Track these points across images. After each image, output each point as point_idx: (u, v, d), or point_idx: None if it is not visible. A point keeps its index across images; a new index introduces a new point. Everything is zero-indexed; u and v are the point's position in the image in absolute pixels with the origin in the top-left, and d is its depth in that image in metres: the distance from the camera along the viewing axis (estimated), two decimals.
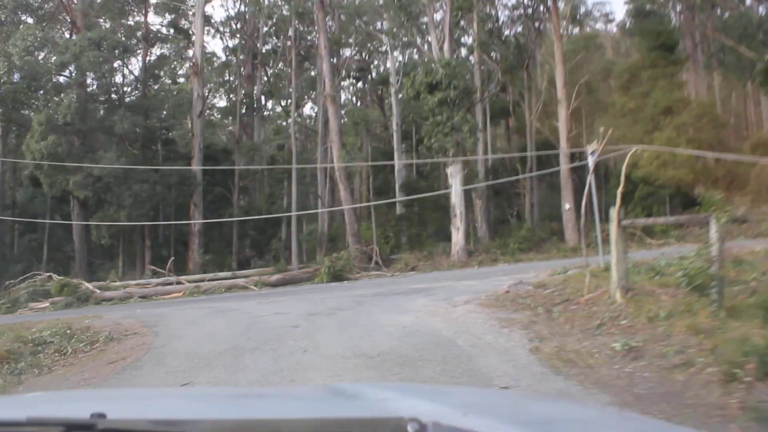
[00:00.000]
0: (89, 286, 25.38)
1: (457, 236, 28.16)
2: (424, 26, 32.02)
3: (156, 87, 40.09)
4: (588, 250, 24.78)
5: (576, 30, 45.07)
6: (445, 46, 28.51)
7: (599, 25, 53.73)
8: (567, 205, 28.20)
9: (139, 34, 38.17)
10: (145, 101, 35.39)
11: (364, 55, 47.14)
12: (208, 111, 50.35)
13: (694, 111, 27.65)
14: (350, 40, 43.44)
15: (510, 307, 11.75)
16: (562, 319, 10.26)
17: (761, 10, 39.41)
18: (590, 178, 14.21)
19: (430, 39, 30.05)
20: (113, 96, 35.23)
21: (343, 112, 39.99)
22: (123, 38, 35.87)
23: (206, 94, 40.14)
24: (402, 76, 39.54)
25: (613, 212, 10.68)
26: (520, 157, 37.72)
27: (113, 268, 32.16)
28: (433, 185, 41.23)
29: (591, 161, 14.34)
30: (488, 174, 36.13)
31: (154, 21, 43.93)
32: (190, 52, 38.55)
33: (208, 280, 27.77)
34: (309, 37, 45.18)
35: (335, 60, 37.12)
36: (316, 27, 34.00)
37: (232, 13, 46.04)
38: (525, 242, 28.97)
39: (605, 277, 12.63)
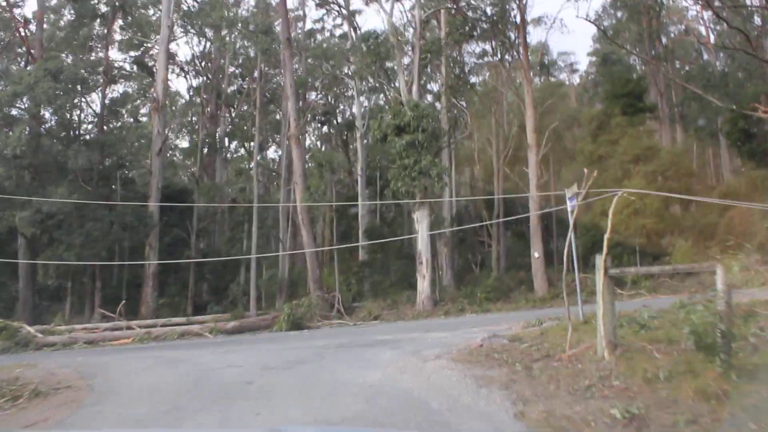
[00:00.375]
0: (30, 329, 23.67)
1: (423, 284, 27.22)
2: (392, 70, 31.57)
3: (117, 124, 38.89)
4: (562, 300, 23.93)
5: (542, 79, 45.32)
6: (414, 89, 28.00)
7: (563, 75, 54.35)
8: (536, 254, 27.52)
9: (100, 69, 36.97)
10: (102, 137, 34.06)
11: (330, 98, 46.62)
12: (170, 152, 49.22)
13: (664, 159, 27.40)
14: (317, 84, 42.90)
15: (485, 363, 10.76)
16: (544, 378, 9.29)
17: (718, 64, 40.04)
18: (571, 223, 13.48)
19: (398, 83, 29.51)
20: (70, 131, 33.82)
21: (307, 156, 39.21)
22: (84, 72, 34.67)
23: (167, 132, 38.95)
24: (368, 120, 39.10)
25: (599, 260, 9.85)
26: (486, 204, 37.24)
27: (61, 310, 30.41)
28: (397, 231, 40.49)
29: (571, 205, 13.59)
30: (453, 222, 35.46)
31: (118, 58, 42.86)
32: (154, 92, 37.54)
33: (161, 326, 26.29)
34: (275, 80, 44.62)
35: (301, 103, 36.48)
36: (282, 67, 33.37)
37: (198, 50, 45.23)
38: (493, 292, 28.12)
39: (586, 331, 11.78)
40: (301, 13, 45.44)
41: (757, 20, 35.41)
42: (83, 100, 35.96)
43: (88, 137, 34.62)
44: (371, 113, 39.23)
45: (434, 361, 11.32)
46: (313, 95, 44.13)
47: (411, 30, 31.44)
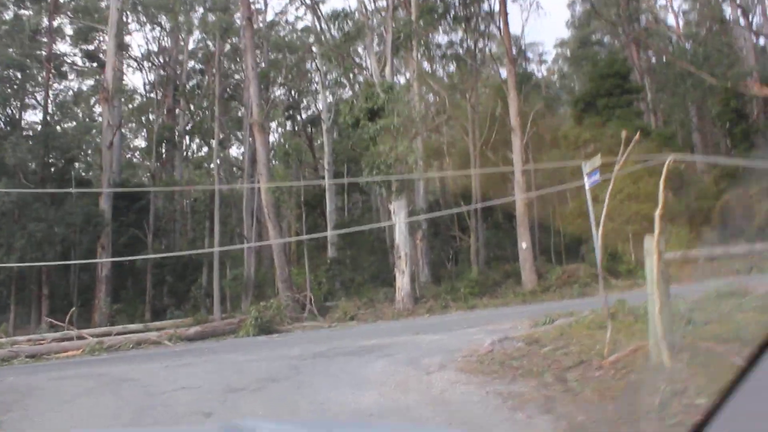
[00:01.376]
0: None
1: (402, 281, 25.08)
2: (362, 55, 29.41)
3: (65, 118, 36.08)
4: (553, 293, 21.89)
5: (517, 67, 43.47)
6: (387, 71, 25.80)
7: (532, 66, 52.55)
8: (524, 244, 25.57)
9: (44, 58, 34.03)
10: (46, 130, 31.22)
11: (294, 94, 44.13)
12: (129, 152, 46.32)
13: (655, 141, 25.64)
14: (279, 79, 40.41)
15: (505, 374, 8.65)
16: (590, 393, 7.20)
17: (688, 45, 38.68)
18: (589, 203, 11.53)
19: (369, 65, 27.27)
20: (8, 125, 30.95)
21: (271, 154, 36.71)
22: (27, 61, 31.75)
23: (121, 128, 36.13)
24: (334, 113, 36.81)
25: (649, 242, 7.81)
26: (463, 196, 35.23)
27: (3, 321, 27.58)
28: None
29: (592, 181, 11.55)
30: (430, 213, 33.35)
31: (69, 51, 39.69)
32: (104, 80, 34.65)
33: (116, 334, 23.70)
34: (236, 76, 41.91)
35: (264, 99, 33.86)
36: (242, 53, 30.93)
37: (153, 42, 42.35)
38: (477, 286, 26.09)
39: (619, 329, 9.73)
40: (261, 5, 42.65)
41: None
42: (27, 91, 33.02)
43: (31, 132, 31.76)
44: (337, 107, 37.06)
45: (439, 372, 9.18)
46: (277, 92, 41.60)
47: (381, 16, 29.16)
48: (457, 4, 31.36)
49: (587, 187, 11.63)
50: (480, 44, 35.09)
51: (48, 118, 33.40)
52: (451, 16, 31.84)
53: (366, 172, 24.38)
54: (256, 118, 25.86)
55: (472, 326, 14.82)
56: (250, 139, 32.72)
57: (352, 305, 26.13)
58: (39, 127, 33.08)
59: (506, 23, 26.25)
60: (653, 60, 37.93)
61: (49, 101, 34.72)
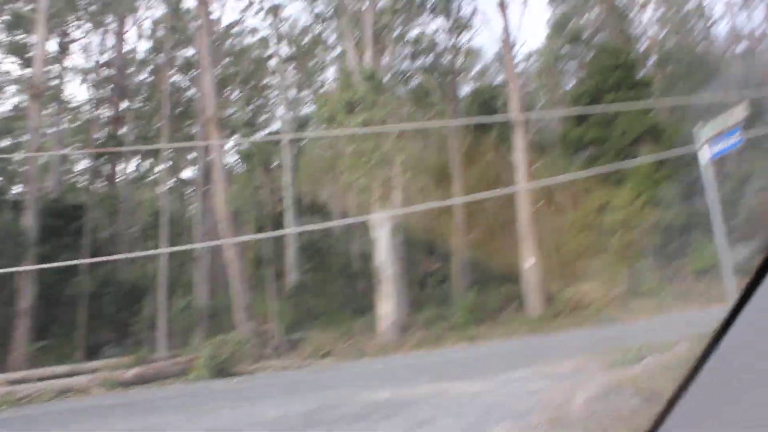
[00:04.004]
0: None
1: (387, 307, 20.99)
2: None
3: None
4: (566, 320, 18.63)
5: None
6: (367, 56, 21.88)
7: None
8: (529, 262, 21.63)
9: None
10: None
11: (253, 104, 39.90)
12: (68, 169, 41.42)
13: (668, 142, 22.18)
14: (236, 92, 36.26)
15: None
16: None
17: None
18: (710, 177, 7.69)
19: (346, 51, 23.29)
20: None
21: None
22: None
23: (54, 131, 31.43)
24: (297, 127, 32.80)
25: None
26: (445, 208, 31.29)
27: None
28: (340, 247, 34.20)
29: (723, 147, 7.67)
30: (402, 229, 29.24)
31: None
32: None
33: (37, 380, 19.00)
34: (188, 93, 37.41)
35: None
36: (197, 41, 26.76)
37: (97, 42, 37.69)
38: (474, 312, 22.04)
39: None
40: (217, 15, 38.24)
41: None
42: None
43: None
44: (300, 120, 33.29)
45: None
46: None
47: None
48: None
49: (706, 161, 7.74)
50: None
51: None
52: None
53: (345, 174, 20.29)
54: (211, 114, 21.51)
55: (510, 367, 10.77)
56: (204, 130, 28.33)
57: (327, 338, 21.87)
58: None
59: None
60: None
61: None
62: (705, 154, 8.04)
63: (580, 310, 21.12)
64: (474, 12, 28.37)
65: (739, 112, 7.68)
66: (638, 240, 21.88)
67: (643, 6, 36.00)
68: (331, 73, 27.82)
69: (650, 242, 21.55)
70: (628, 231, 22.26)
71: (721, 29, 41.19)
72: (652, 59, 33.85)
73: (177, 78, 35.61)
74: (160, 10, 33.28)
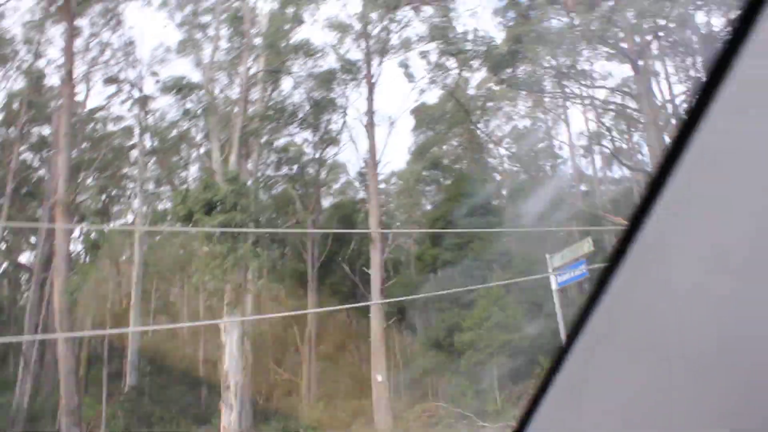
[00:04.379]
0: None
1: (230, 417, 19.93)
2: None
3: None
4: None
5: None
6: (232, 159, 21.83)
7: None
8: (379, 377, 21.54)
9: None
10: None
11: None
12: None
13: None
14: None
15: None
16: None
17: None
18: (557, 304, 8.17)
19: (211, 150, 23.14)
20: None
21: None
22: None
23: None
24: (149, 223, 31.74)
25: None
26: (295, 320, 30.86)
27: None
28: (181, 348, 32.58)
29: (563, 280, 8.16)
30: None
31: None
32: None
33: None
34: (39, 173, 35.28)
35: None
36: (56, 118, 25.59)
37: None
38: (318, 430, 21.46)
39: None
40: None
41: None
42: None
43: None
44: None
45: None
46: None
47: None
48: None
49: (555, 287, 8.23)
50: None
51: None
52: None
53: (196, 275, 19.66)
54: (60, 196, 20.32)
55: None
56: (50, 214, 26.61)
57: None
58: None
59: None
60: None
61: None
62: (554, 282, 8.55)
63: (428, 428, 21.18)
64: (342, 128, 29.31)
65: (585, 247, 8.28)
66: (486, 360, 22.45)
67: (498, 143, 38.59)
68: (193, 171, 27.32)
69: (498, 363, 22.19)
70: (477, 351, 22.80)
71: (568, 168, 44.70)
72: (506, 189, 36.06)
73: (27, 155, 33.80)
74: (20, 83, 31.82)
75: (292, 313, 24.08)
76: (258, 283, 20.84)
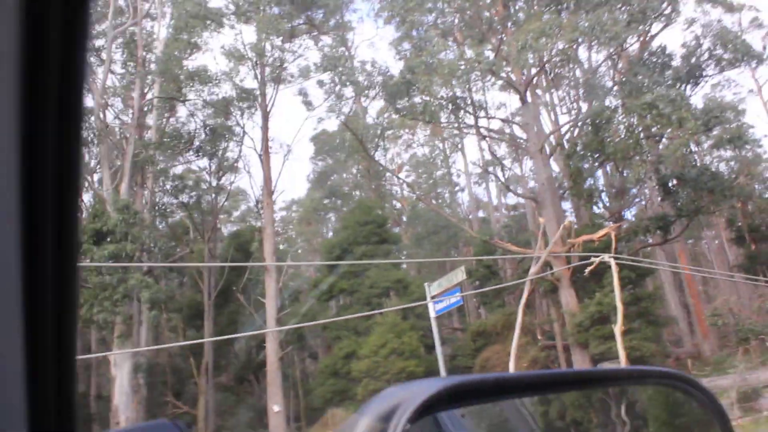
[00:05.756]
0: None
1: None
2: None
3: None
4: None
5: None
6: (123, 187, 21.35)
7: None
8: (276, 407, 21.37)
9: None
10: None
11: None
12: None
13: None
14: None
15: None
16: None
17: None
18: (436, 334, 8.50)
19: (101, 178, 22.54)
20: None
21: None
22: None
23: None
24: None
25: None
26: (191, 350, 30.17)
27: None
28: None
29: (435, 309, 8.53)
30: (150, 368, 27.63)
31: None
32: None
33: None
34: None
35: None
36: None
37: None
38: None
39: None
40: None
41: None
42: None
43: None
44: None
45: None
46: None
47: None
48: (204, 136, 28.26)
49: (434, 314, 8.60)
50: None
51: None
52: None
53: (86, 308, 18.99)
54: None
55: None
56: None
57: None
58: None
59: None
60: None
61: None
62: (432, 310, 8.92)
63: None
64: (239, 157, 29.16)
65: (459, 275, 8.73)
66: (383, 388, 22.59)
67: (398, 170, 39.39)
68: (85, 200, 26.41)
69: None
70: (374, 379, 22.97)
71: (464, 197, 46.04)
72: (403, 218, 36.69)
73: None
74: None
75: (184, 343, 23.58)
76: (151, 314, 20.29)
